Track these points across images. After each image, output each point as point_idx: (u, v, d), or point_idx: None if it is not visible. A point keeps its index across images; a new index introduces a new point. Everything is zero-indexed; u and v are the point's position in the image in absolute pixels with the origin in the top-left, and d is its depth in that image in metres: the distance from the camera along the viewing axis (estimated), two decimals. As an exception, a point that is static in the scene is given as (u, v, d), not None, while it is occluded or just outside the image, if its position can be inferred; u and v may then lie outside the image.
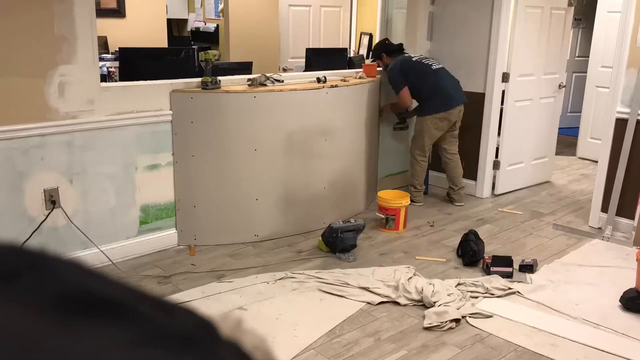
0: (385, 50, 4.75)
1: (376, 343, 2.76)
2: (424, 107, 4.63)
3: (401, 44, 4.86)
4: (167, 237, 3.77)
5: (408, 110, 4.80)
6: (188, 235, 3.82)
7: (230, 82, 3.89)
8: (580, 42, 7.54)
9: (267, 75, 3.97)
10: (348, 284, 3.29)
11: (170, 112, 3.61)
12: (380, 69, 4.79)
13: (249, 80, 3.85)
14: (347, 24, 7.38)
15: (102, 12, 6.36)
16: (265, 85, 3.87)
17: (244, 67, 4.75)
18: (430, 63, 4.63)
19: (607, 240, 4.09)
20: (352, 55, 6.86)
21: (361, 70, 4.68)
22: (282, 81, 3.99)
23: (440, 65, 4.65)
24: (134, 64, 4.23)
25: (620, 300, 3.15)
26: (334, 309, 3.06)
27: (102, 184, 3.43)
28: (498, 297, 3.20)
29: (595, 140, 5.98)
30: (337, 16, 7.15)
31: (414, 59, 4.64)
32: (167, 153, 3.67)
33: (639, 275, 3.09)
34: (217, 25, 8.34)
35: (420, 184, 4.81)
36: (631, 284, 3.21)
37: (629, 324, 2.97)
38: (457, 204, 4.81)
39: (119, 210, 3.53)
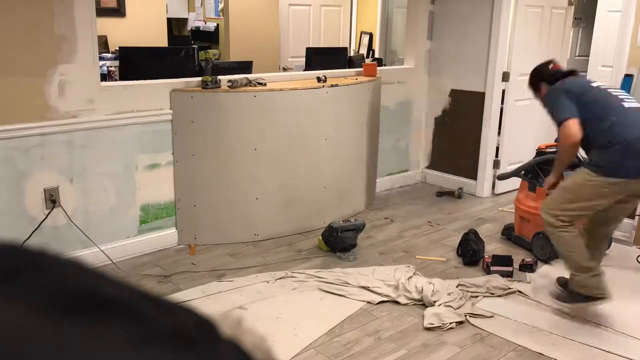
0: (545, 79, 3.13)
1: (376, 342, 2.76)
2: (599, 161, 2.87)
3: (573, 70, 3.18)
4: (167, 236, 3.77)
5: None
6: (188, 234, 3.82)
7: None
8: (580, 42, 7.53)
9: (249, 78, 3.88)
10: (348, 283, 3.29)
11: (171, 111, 3.61)
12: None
13: (229, 81, 3.76)
14: (347, 23, 7.37)
15: (102, 12, 6.36)
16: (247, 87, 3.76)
17: (244, 67, 4.74)
18: (621, 96, 2.94)
19: (607, 240, 4.09)
20: (352, 54, 6.86)
21: (361, 70, 4.68)
22: (265, 84, 3.87)
23: (638, 104, 2.95)
24: (134, 63, 4.23)
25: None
26: (334, 308, 3.06)
27: (102, 183, 3.43)
28: (498, 296, 3.21)
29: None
30: (337, 15, 7.14)
31: (592, 84, 3.04)
32: (167, 152, 3.67)
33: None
34: (217, 24, 8.33)
35: (585, 261, 2.96)
36: (631, 283, 3.21)
37: (629, 324, 2.97)
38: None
39: (119, 210, 3.53)
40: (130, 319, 0.31)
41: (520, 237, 3.88)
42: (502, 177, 4.25)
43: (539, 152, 3.92)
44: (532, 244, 3.73)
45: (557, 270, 3.58)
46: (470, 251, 3.61)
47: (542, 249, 3.66)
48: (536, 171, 3.80)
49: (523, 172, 3.92)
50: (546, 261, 3.64)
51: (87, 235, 3.39)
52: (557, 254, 3.21)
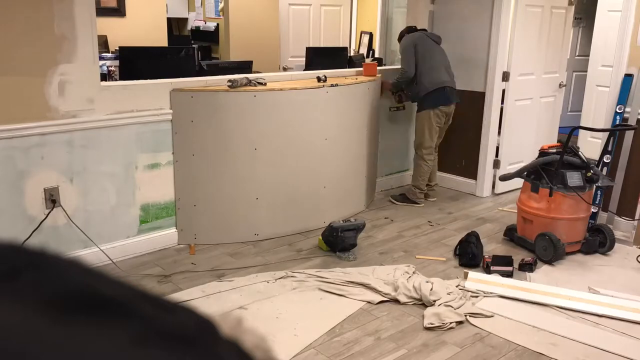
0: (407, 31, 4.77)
1: (376, 342, 2.76)
2: (424, 100, 4.56)
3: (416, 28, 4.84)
4: (167, 236, 3.77)
5: (404, 92, 4.76)
6: (188, 234, 3.82)
7: (213, 82, 3.82)
8: (580, 41, 7.53)
9: (249, 77, 3.87)
10: (348, 283, 3.29)
11: (171, 111, 3.61)
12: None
13: (229, 81, 3.75)
14: (347, 23, 7.38)
15: (102, 11, 6.36)
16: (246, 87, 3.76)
17: (244, 67, 4.74)
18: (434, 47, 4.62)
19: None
20: (352, 54, 6.86)
21: (361, 69, 4.68)
22: (265, 84, 3.86)
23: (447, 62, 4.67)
24: (134, 63, 4.23)
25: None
26: (334, 308, 3.06)
27: (103, 183, 3.43)
28: (498, 296, 3.21)
29: (596, 140, 5.98)
30: (337, 15, 7.14)
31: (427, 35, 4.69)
32: (167, 152, 3.67)
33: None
34: (217, 24, 8.33)
35: (424, 184, 4.74)
36: (632, 283, 3.22)
37: (629, 324, 2.97)
38: (431, 199, 4.85)
39: (119, 209, 3.53)
40: (130, 318, 0.31)
41: (523, 238, 3.88)
42: (505, 177, 4.24)
43: (542, 152, 3.92)
44: (535, 245, 3.73)
45: (557, 269, 3.58)
46: (469, 254, 3.60)
47: (544, 250, 3.65)
48: (539, 172, 3.79)
49: (526, 173, 3.92)
50: (549, 262, 3.64)
51: (87, 235, 3.39)
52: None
